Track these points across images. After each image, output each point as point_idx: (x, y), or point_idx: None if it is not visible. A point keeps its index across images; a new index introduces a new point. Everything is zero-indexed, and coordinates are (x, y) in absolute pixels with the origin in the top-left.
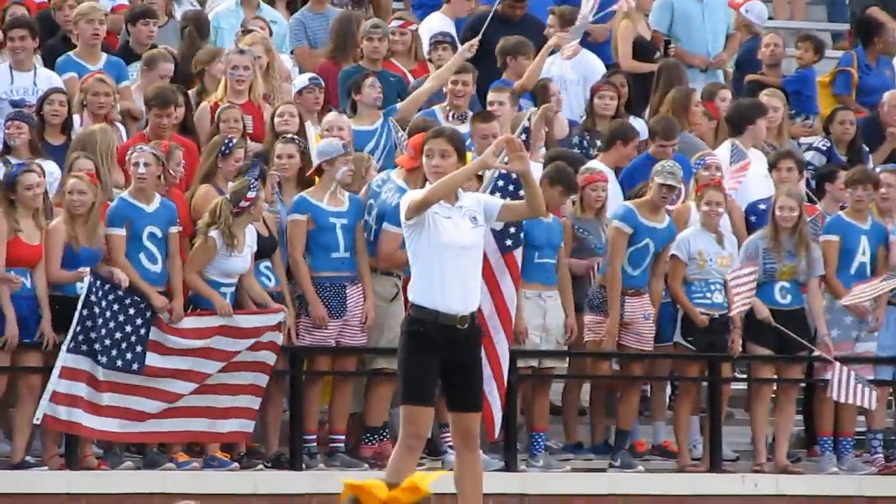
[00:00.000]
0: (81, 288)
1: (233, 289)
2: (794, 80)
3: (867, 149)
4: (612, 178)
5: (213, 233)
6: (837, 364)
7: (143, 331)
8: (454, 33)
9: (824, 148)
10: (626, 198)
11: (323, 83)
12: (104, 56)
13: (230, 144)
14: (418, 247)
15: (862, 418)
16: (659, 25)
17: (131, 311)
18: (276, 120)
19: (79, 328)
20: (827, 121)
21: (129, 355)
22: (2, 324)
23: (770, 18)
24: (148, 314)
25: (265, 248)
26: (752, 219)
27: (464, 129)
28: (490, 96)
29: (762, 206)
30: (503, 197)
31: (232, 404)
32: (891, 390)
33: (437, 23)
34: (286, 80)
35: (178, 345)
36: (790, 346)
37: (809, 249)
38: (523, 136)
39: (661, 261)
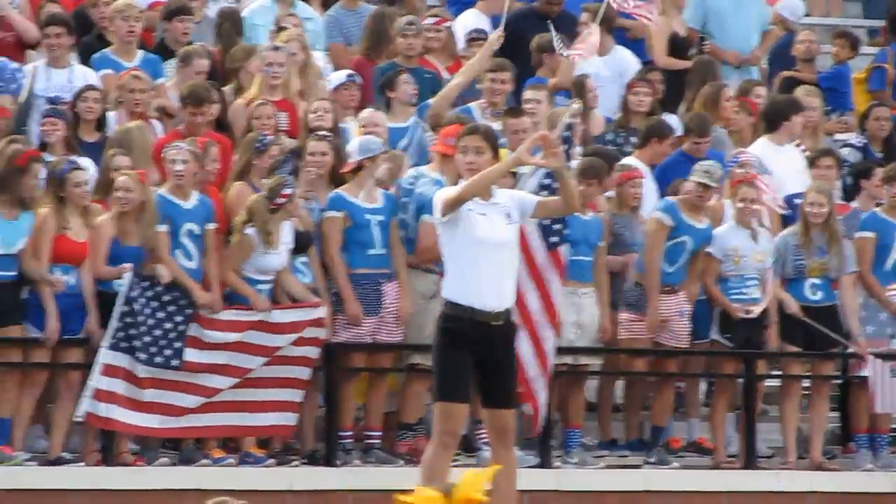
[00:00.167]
0: (122, 285)
1: (269, 286)
2: (829, 77)
3: None
4: (647, 175)
5: (250, 230)
6: (872, 359)
7: (182, 328)
8: (489, 30)
9: (860, 144)
10: (662, 194)
11: (359, 80)
12: (140, 53)
13: (265, 141)
14: (453, 243)
15: None
16: (693, 22)
17: (171, 309)
18: (311, 116)
19: (119, 325)
20: (862, 117)
21: (168, 352)
22: (43, 319)
23: (806, 15)
24: (188, 311)
25: (301, 244)
26: (788, 212)
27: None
28: (527, 94)
29: (797, 201)
30: (550, 194)
31: (272, 398)
32: None
33: (471, 19)
34: (318, 77)
35: (214, 339)
36: (821, 343)
37: (840, 245)
38: (567, 132)
39: (697, 261)
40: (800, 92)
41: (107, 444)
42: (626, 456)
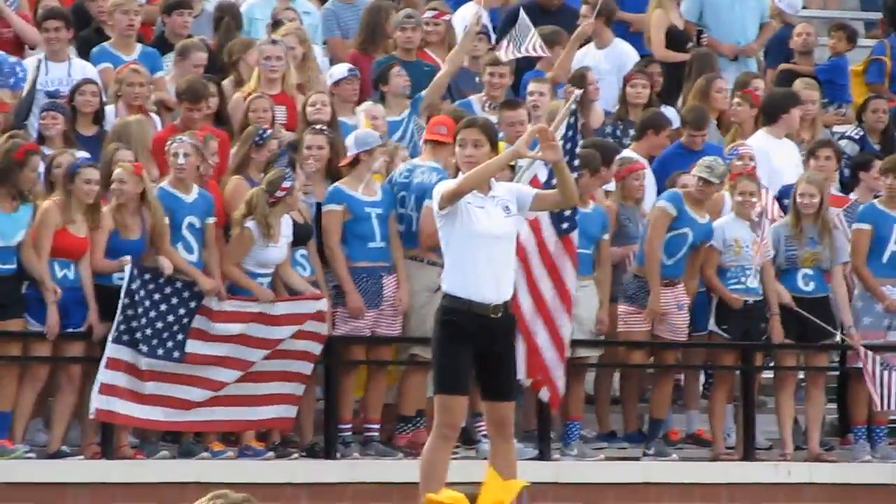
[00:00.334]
0: (122, 278)
1: (269, 279)
2: (826, 69)
3: None
4: (647, 168)
5: (250, 223)
6: (863, 352)
7: (185, 320)
8: (488, 23)
9: (857, 137)
10: (660, 187)
11: (359, 74)
12: (139, 47)
13: (264, 135)
14: (451, 236)
15: None
16: (689, 15)
17: (173, 301)
18: (309, 109)
19: (121, 318)
20: (860, 109)
21: (169, 344)
22: (44, 313)
23: (803, 7)
24: (192, 304)
25: (301, 236)
26: (786, 202)
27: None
28: (531, 86)
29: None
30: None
31: (272, 391)
32: None
33: (470, 12)
34: (318, 71)
35: (218, 330)
36: (814, 334)
37: (832, 236)
38: (572, 119)
39: (697, 257)
40: (798, 85)
41: (107, 438)
42: (625, 448)
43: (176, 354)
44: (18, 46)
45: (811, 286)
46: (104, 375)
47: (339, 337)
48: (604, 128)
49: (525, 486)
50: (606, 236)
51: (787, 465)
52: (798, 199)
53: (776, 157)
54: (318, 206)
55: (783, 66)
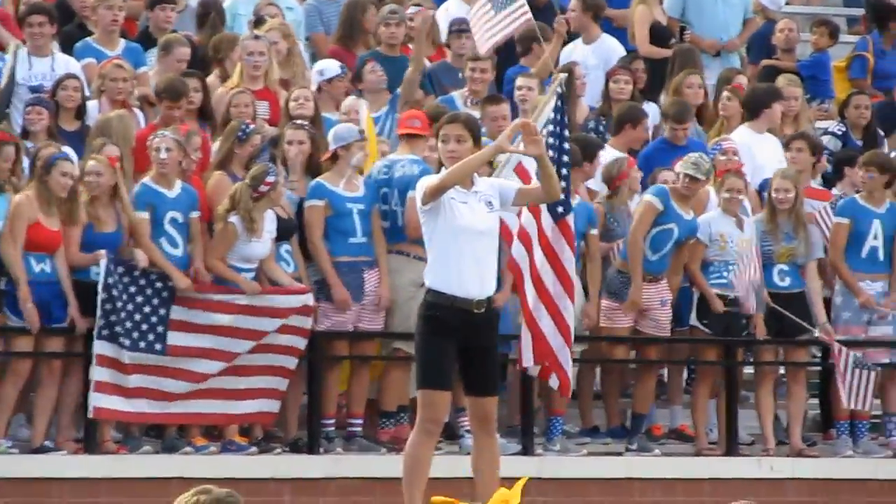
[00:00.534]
0: (98, 273)
1: (252, 274)
2: (809, 65)
3: (882, 133)
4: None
5: (233, 218)
6: (838, 347)
7: (162, 311)
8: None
9: (840, 132)
10: (644, 182)
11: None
12: (122, 42)
13: (247, 130)
14: (434, 232)
15: (878, 401)
16: (672, 11)
17: (149, 293)
18: (292, 104)
19: (101, 313)
20: (842, 105)
21: (150, 336)
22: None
23: (786, 3)
24: (165, 294)
25: (284, 231)
26: (766, 195)
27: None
28: (519, 81)
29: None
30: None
31: (255, 385)
32: None
33: (454, 8)
34: (304, 67)
35: (204, 320)
36: (791, 330)
37: (807, 231)
38: (559, 102)
39: (681, 253)
40: (781, 81)
41: (90, 433)
42: (607, 443)
43: (158, 347)
44: None
45: (787, 281)
46: (98, 373)
47: (322, 332)
48: (586, 123)
49: (527, 480)
50: (595, 231)
51: (769, 460)
52: (773, 195)
53: (758, 151)
54: (301, 201)
55: (766, 62)
